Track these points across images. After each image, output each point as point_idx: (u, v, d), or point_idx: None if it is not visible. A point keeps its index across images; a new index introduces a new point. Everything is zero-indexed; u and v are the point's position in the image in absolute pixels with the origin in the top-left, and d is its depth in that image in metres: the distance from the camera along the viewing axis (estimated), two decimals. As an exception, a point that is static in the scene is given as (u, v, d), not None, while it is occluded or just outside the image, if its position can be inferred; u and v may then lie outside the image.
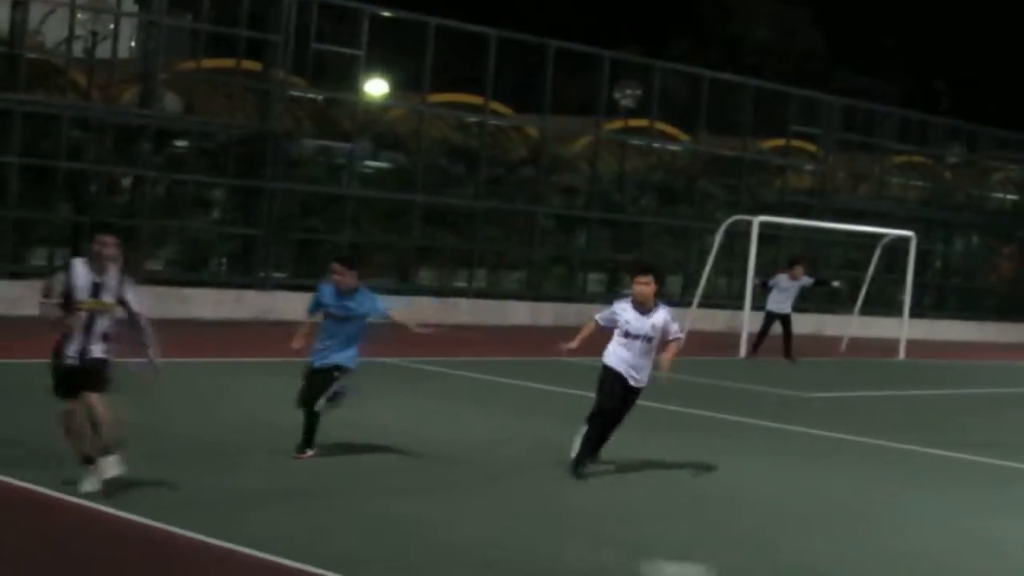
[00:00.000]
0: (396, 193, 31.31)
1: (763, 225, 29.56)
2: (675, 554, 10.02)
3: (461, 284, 32.42)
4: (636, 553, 9.90)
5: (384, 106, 32.24)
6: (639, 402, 12.70)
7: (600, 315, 12.57)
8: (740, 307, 29.15)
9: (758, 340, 27.29)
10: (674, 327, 12.42)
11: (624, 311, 12.31)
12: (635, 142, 35.84)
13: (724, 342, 27.91)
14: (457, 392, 18.87)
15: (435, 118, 32.28)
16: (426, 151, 31.74)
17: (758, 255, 29.09)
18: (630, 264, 30.34)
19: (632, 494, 12.13)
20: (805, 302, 29.58)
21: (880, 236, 33.18)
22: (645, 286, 12.30)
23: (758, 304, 28.08)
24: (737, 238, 31.20)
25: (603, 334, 12.61)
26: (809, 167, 40.24)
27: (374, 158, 32.23)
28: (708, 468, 13.51)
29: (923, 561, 10.66)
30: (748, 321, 28.04)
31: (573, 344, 12.36)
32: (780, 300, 27.20)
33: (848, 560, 10.42)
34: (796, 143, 39.48)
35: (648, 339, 12.26)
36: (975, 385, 27.57)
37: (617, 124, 35.88)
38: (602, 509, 11.43)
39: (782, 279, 27.32)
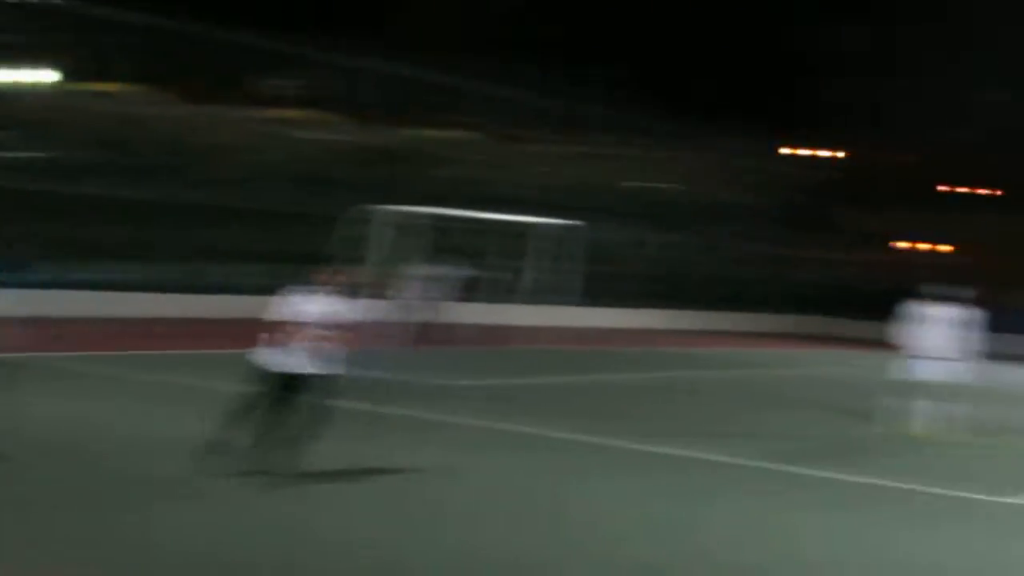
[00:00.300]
0: (41, 183, 29.98)
1: (414, 215, 29.49)
2: (385, 557, 9.92)
3: (115, 276, 31.32)
4: (336, 555, 9.76)
5: (30, 93, 31.02)
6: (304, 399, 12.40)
7: (282, 307, 12.36)
8: (391, 297, 28.99)
9: (417, 330, 27.45)
10: (350, 314, 12.63)
11: (301, 300, 12.36)
12: (294, 132, 35.52)
13: (378, 331, 27.75)
14: (117, 390, 17.94)
15: (85, 106, 31.23)
16: (75, 140, 30.69)
17: (406, 245, 29.08)
18: (301, 256, 29.92)
19: (320, 500, 11.81)
20: (466, 291, 29.86)
21: (538, 225, 33.53)
22: (327, 275, 12.62)
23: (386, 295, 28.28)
24: (389, 228, 31.07)
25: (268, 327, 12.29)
26: (471, 156, 40.62)
27: (19, 147, 30.95)
28: (390, 468, 13.38)
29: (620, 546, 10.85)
30: (402, 312, 28.06)
31: (284, 345, 12.17)
32: (425, 290, 27.65)
33: (546, 549, 10.58)
34: (459, 133, 39.81)
35: (323, 326, 12.31)
36: (619, 370, 28.47)
37: (277, 113, 35.48)
38: (298, 509, 11.17)
39: (424, 269, 27.81)
